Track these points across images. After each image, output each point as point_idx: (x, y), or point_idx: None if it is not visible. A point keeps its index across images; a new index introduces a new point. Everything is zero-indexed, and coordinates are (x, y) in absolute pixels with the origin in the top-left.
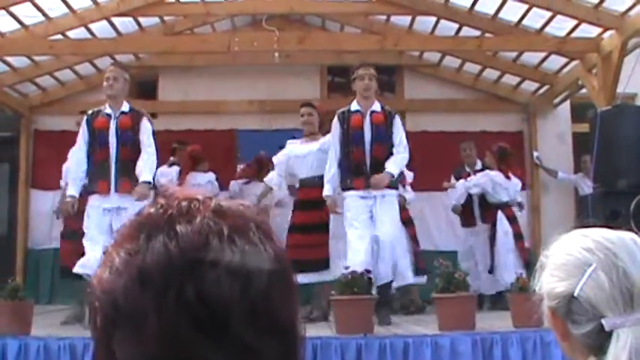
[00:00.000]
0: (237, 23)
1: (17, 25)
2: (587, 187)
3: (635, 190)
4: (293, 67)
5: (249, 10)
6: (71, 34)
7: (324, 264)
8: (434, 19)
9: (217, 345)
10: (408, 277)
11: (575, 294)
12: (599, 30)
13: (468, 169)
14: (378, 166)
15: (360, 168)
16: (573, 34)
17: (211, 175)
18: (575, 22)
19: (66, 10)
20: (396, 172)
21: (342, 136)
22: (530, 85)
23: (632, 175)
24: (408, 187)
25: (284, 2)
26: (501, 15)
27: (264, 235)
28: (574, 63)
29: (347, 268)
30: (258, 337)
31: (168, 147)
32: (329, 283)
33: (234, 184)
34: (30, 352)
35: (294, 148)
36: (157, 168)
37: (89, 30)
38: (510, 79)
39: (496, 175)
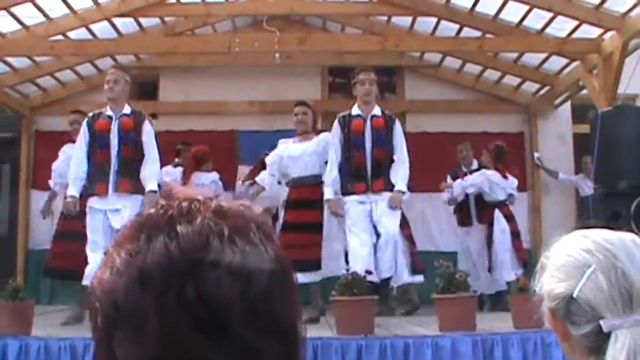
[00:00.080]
0: (237, 24)
1: (18, 26)
2: (587, 188)
3: (635, 191)
4: (294, 68)
5: (249, 11)
6: (72, 34)
7: (315, 264)
8: (435, 19)
9: (218, 345)
10: (403, 276)
11: (575, 295)
12: (599, 31)
13: (464, 169)
14: (379, 170)
15: (360, 172)
16: (574, 35)
17: (215, 175)
18: (575, 22)
19: (67, 10)
20: (404, 188)
21: (343, 141)
22: (530, 86)
23: (632, 176)
24: None
25: (285, 3)
26: (502, 16)
27: (265, 236)
28: (575, 64)
29: (348, 270)
30: (258, 337)
31: (169, 147)
32: (318, 284)
33: (240, 187)
34: (30, 353)
35: (286, 147)
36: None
37: (90, 30)
38: (511, 80)
39: (492, 174)
